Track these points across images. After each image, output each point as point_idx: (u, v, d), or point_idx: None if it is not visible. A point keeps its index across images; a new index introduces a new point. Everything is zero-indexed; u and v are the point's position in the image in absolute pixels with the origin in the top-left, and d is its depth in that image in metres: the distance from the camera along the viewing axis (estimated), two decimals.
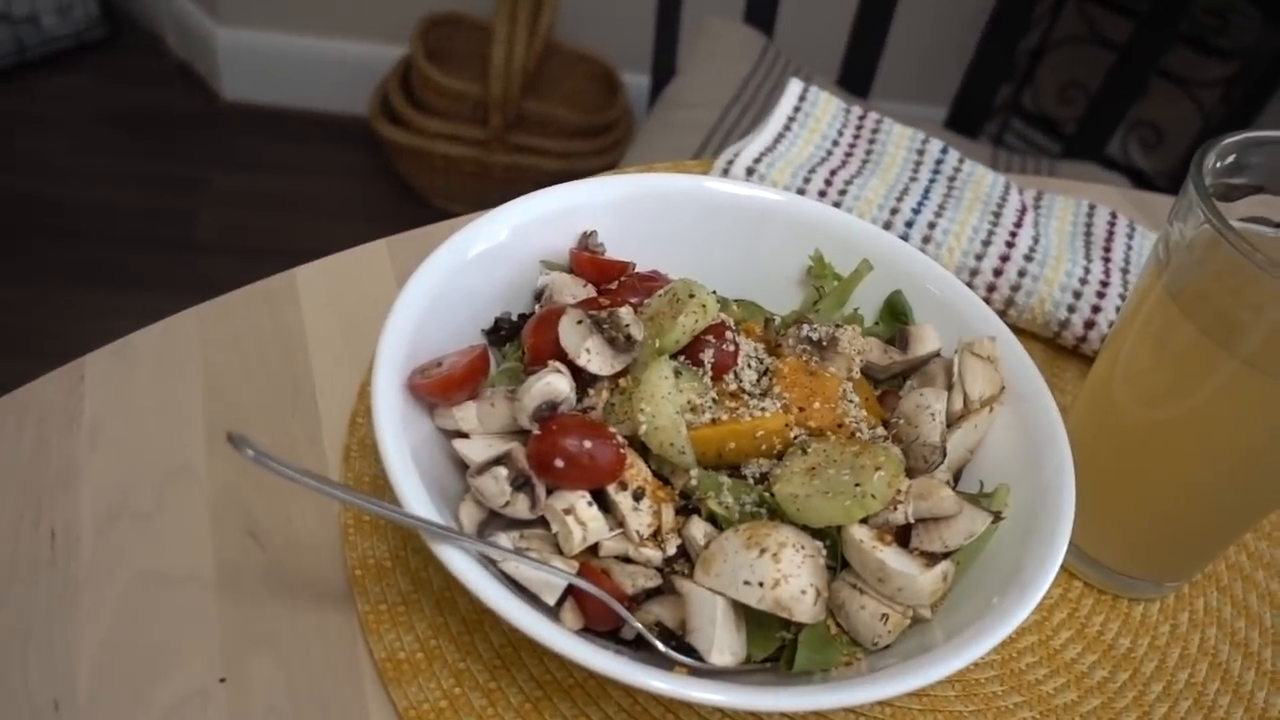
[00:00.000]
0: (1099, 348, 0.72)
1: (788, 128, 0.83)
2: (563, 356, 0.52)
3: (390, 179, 2.28)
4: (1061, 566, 0.48)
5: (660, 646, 0.48)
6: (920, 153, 0.84)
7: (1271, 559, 0.66)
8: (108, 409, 0.59)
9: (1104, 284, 0.74)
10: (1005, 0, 1.60)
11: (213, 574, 0.53)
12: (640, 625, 0.48)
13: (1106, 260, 0.78)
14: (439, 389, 0.51)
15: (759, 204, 0.65)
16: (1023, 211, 0.79)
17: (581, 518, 0.48)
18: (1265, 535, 0.67)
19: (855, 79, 1.66)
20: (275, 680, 0.50)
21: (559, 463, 0.48)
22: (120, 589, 0.52)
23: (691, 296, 0.54)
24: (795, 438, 0.53)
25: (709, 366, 0.53)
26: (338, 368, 0.64)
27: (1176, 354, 0.52)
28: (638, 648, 0.49)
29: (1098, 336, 0.74)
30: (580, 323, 0.52)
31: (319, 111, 2.39)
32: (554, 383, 0.50)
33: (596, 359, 0.52)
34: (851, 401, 0.55)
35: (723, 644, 0.47)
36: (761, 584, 0.46)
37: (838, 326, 0.57)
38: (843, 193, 0.77)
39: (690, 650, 0.48)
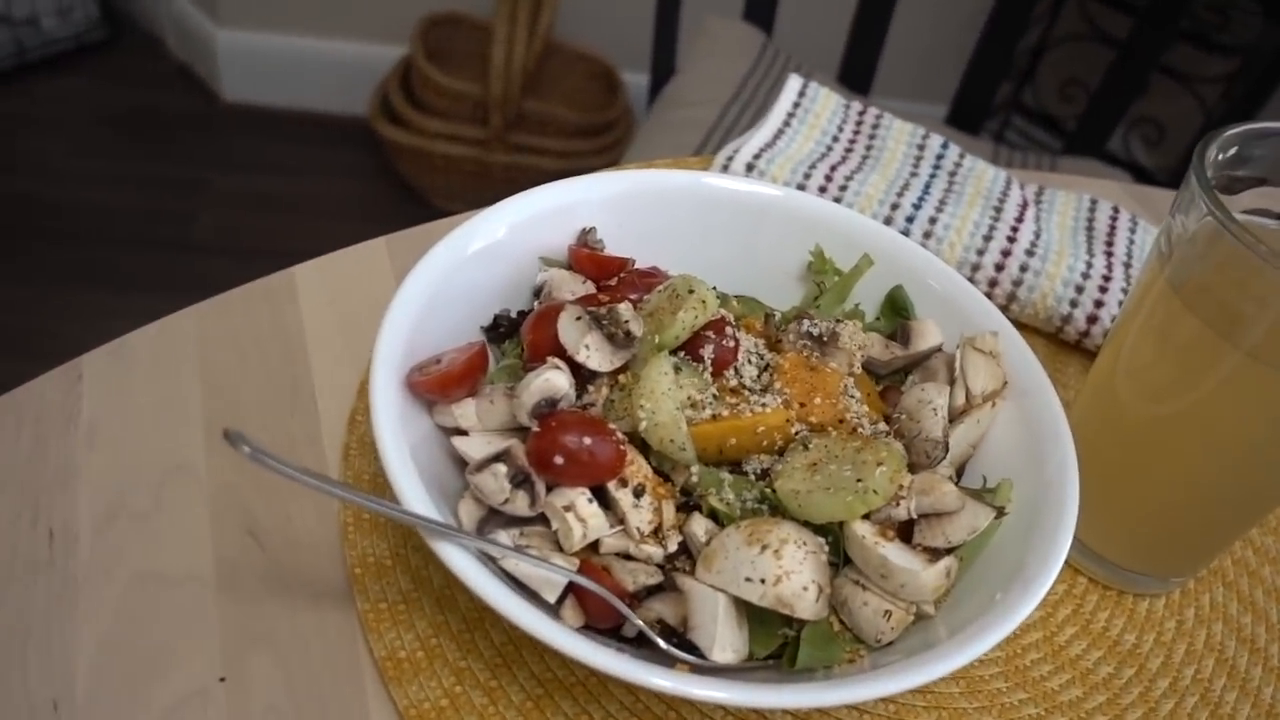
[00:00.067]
0: (1101, 343, 0.72)
1: (787, 124, 0.82)
2: (562, 353, 0.52)
3: (390, 179, 2.27)
4: (1066, 562, 0.48)
5: (662, 644, 0.48)
6: (921, 148, 0.83)
7: (1278, 554, 0.65)
8: (106, 408, 0.59)
9: (1106, 279, 0.74)
10: None
11: (212, 573, 0.53)
12: (641, 623, 0.48)
13: (1109, 255, 0.77)
14: (437, 386, 0.51)
15: (758, 199, 0.64)
16: (1024, 206, 0.79)
17: (582, 515, 0.48)
18: (1271, 530, 0.67)
19: (855, 77, 1.66)
20: (275, 679, 0.50)
21: (559, 459, 0.48)
22: (119, 589, 0.52)
23: (691, 292, 0.53)
24: (796, 433, 0.53)
25: (709, 362, 0.53)
26: (337, 366, 0.64)
27: (1180, 348, 0.52)
28: (639, 645, 0.49)
29: (1100, 332, 0.73)
30: (579, 319, 0.52)
31: (319, 112, 2.39)
32: (553, 379, 0.50)
33: (596, 355, 0.51)
34: (853, 397, 0.55)
35: (724, 641, 0.47)
36: (763, 581, 0.46)
37: (838, 322, 0.57)
38: (843, 188, 0.77)
39: (692, 648, 0.48)
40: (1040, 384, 0.56)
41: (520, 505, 0.48)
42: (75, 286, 1.92)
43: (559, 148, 2.16)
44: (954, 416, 0.56)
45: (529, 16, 2.07)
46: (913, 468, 0.53)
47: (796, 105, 0.84)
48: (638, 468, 0.50)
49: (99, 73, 2.36)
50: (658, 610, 0.48)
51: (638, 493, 0.49)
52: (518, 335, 0.56)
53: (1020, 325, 0.73)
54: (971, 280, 0.73)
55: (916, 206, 0.76)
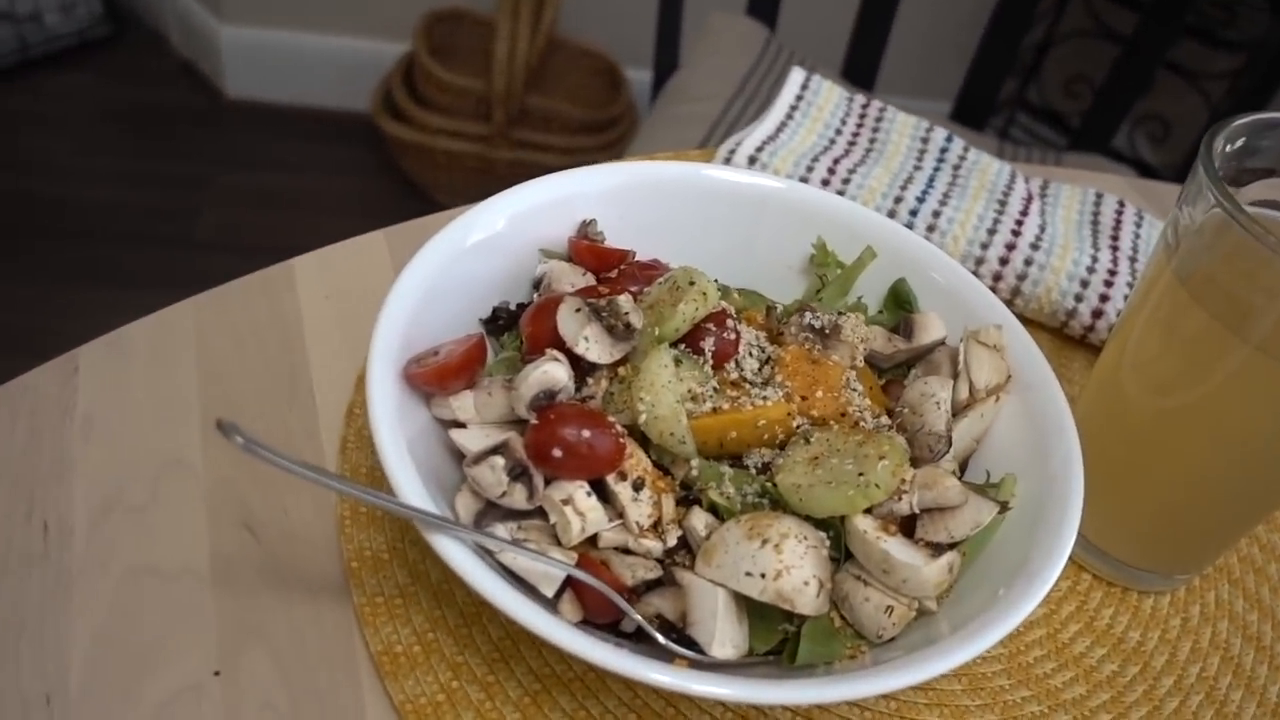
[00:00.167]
0: (1107, 338, 0.71)
1: (790, 116, 0.82)
2: (561, 345, 0.51)
3: (394, 175, 2.27)
4: (1070, 558, 0.47)
5: (660, 639, 0.47)
6: (925, 141, 0.83)
7: None
8: (102, 401, 0.59)
9: (1112, 273, 0.73)
10: None
11: (207, 567, 0.53)
12: (640, 617, 0.47)
13: (1114, 249, 0.77)
14: (435, 378, 0.51)
15: (759, 191, 0.64)
16: (1029, 200, 0.78)
17: (580, 508, 0.47)
18: (1278, 528, 0.66)
19: (859, 72, 1.65)
20: (270, 674, 0.49)
21: (557, 452, 0.47)
22: (113, 582, 0.51)
23: (692, 284, 0.53)
24: (798, 427, 0.52)
25: (710, 355, 0.53)
26: (335, 359, 0.63)
27: (1186, 340, 0.51)
28: (638, 640, 0.48)
29: (1105, 326, 0.73)
30: (579, 311, 0.52)
31: (322, 108, 2.39)
32: (552, 371, 0.50)
33: (595, 347, 0.51)
34: (855, 390, 0.54)
35: (724, 637, 0.46)
36: (763, 575, 0.46)
37: (841, 314, 0.57)
38: (846, 181, 0.76)
39: (691, 643, 0.47)
40: (1045, 378, 0.56)
41: (518, 498, 0.47)
42: (78, 284, 1.92)
43: (562, 144, 2.16)
44: (957, 410, 0.56)
45: (532, 12, 2.06)
46: (915, 462, 0.53)
47: (799, 98, 0.84)
48: (637, 461, 0.50)
49: (102, 69, 2.36)
50: (657, 605, 0.48)
51: (637, 486, 0.49)
52: (517, 328, 0.56)
53: (1025, 320, 0.72)
54: (975, 275, 0.72)
55: (920, 200, 0.75)
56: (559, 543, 0.48)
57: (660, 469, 0.51)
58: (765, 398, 0.52)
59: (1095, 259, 0.74)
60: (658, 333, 0.52)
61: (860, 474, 0.48)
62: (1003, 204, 0.77)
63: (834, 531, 0.49)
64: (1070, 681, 0.56)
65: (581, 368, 0.52)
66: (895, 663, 0.44)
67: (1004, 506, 0.51)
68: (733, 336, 0.54)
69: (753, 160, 0.77)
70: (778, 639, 0.48)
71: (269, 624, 0.51)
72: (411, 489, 0.45)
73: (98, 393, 0.59)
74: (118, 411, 0.59)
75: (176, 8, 2.36)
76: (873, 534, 0.48)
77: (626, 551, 0.49)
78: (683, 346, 0.53)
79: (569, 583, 0.47)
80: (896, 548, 0.48)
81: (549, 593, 0.47)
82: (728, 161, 0.77)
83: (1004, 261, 0.73)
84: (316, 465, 0.44)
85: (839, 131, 0.83)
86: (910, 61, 2.06)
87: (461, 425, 0.51)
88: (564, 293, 0.54)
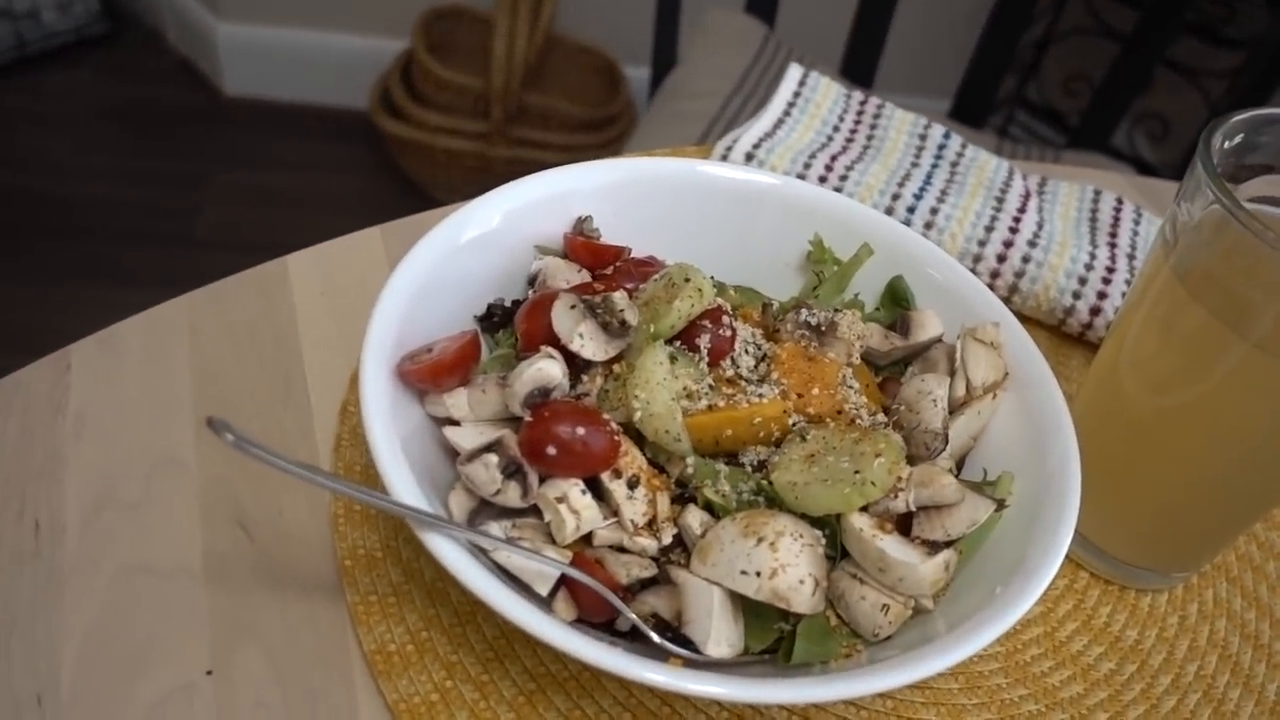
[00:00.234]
0: (1104, 335, 0.71)
1: (787, 113, 0.81)
2: (556, 342, 0.51)
3: (392, 173, 2.27)
4: (1067, 556, 0.47)
5: (656, 638, 0.47)
6: (922, 138, 0.82)
7: None
8: (94, 398, 0.58)
9: (1110, 270, 0.73)
10: None
11: (200, 565, 0.52)
12: (635, 616, 0.47)
13: (1112, 246, 0.76)
14: (429, 375, 0.50)
15: (755, 188, 0.63)
16: (1026, 197, 0.78)
17: (575, 506, 0.47)
18: (1276, 525, 0.66)
19: (858, 70, 1.65)
20: (263, 673, 0.49)
21: (551, 450, 0.47)
22: (106, 581, 0.51)
23: (687, 281, 0.52)
24: (794, 425, 0.52)
25: (705, 352, 0.52)
26: (330, 355, 0.63)
27: (1185, 338, 0.51)
28: (633, 639, 0.48)
29: (1103, 323, 0.72)
30: (574, 307, 0.51)
31: (320, 106, 2.39)
32: (546, 368, 0.49)
33: (590, 344, 0.51)
34: (851, 388, 0.54)
35: (720, 635, 0.46)
36: (759, 574, 0.45)
37: (837, 311, 0.56)
38: (843, 178, 0.76)
39: (686, 642, 0.47)
40: (1042, 375, 0.55)
41: (512, 496, 0.47)
42: (76, 282, 1.92)
43: (561, 141, 2.16)
44: (954, 408, 0.55)
45: (530, 10, 2.06)
46: (912, 460, 0.52)
47: (797, 95, 0.83)
48: (632, 459, 0.49)
49: (100, 67, 2.36)
50: (652, 604, 0.48)
51: (632, 484, 0.48)
52: (511, 324, 0.56)
53: (1022, 317, 0.72)
54: (973, 272, 0.72)
55: (918, 197, 0.75)
56: (553, 541, 0.48)
57: (655, 467, 0.51)
58: (761, 395, 0.52)
59: (1093, 256, 0.74)
60: (653, 330, 0.52)
61: (856, 472, 0.48)
62: (1000, 201, 0.77)
63: (830, 529, 0.49)
64: (1068, 680, 0.55)
65: (576, 365, 0.52)
66: (891, 661, 0.44)
67: (1001, 504, 0.51)
68: (728, 334, 0.53)
69: (749, 157, 0.77)
70: (773, 638, 0.48)
71: (262, 623, 0.51)
72: (405, 487, 0.44)
73: (90, 390, 0.59)
74: (110, 409, 0.58)
75: (174, 5, 2.36)
76: (869, 532, 0.48)
77: (621, 550, 0.48)
78: (678, 344, 0.53)
79: (563, 581, 0.47)
80: (892, 546, 0.48)
81: (543, 591, 0.46)
82: (724, 158, 0.77)
83: (1001, 258, 0.73)
84: (308, 463, 0.44)
85: (836, 128, 0.82)
86: (909, 59, 2.06)
87: (455, 423, 0.51)
88: (559, 289, 0.54)
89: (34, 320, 1.84)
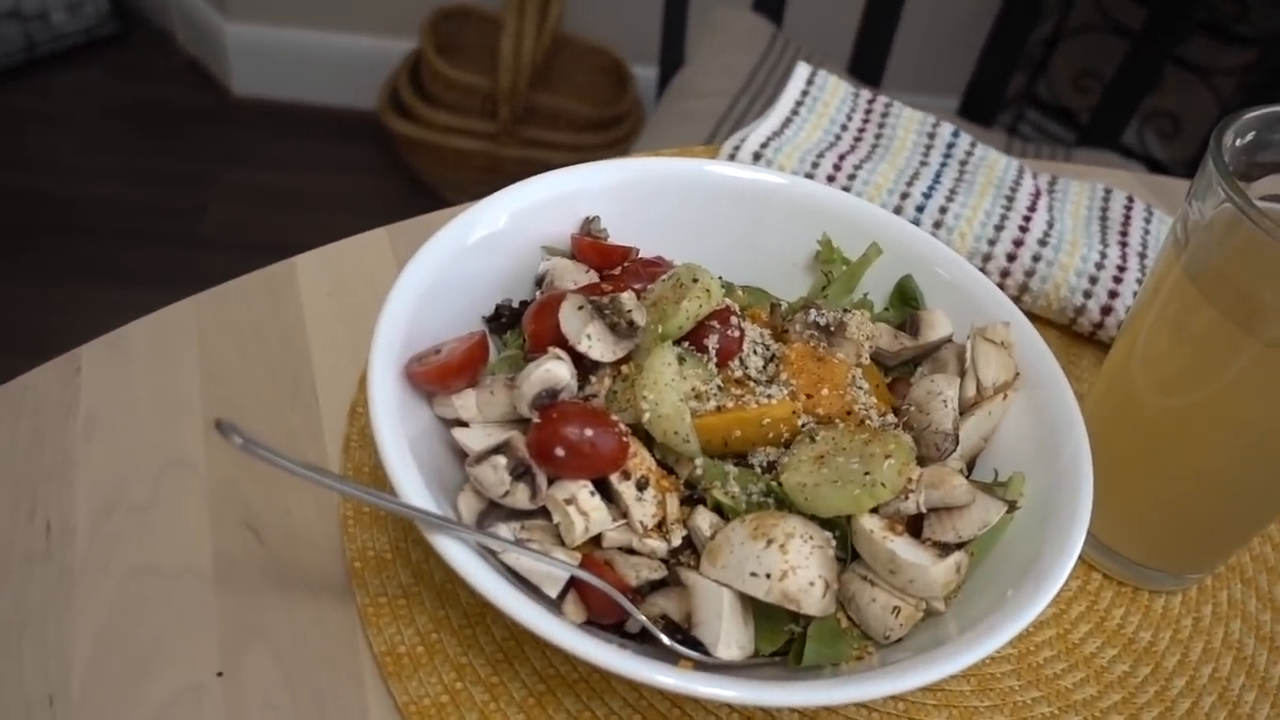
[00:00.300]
0: (1116, 334, 0.71)
1: (795, 112, 0.81)
2: (564, 343, 0.51)
3: (400, 173, 2.27)
4: (1079, 558, 0.47)
5: (665, 640, 0.47)
6: (931, 136, 0.82)
7: None
8: (104, 400, 0.59)
9: (1121, 269, 0.73)
10: None
11: (210, 567, 0.52)
12: (645, 618, 0.47)
13: (1123, 245, 0.76)
14: (437, 376, 0.50)
15: (763, 187, 0.63)
16: (1036, 196, 0.78)
17: (584, 508, 0.47)
18: None
19: (866, 68, 1.64)
20: (273, 675, 0.49)
21: (560, 451, 0.47)
22: (116, 582, 0.51)
23: (695, 281, 0.52)
24: (803, 425, 0.51)
25: (714, 353, 0.52)
26: (338, 357, 0.63)
27: (1196, 338, 0.50)
28: (642, 641, 0.48)
29: (1114, 323, 0.72)
30: (582, 308, 0.51)
31: (329, 106, 2.39)
32: (554, 369, 0.49)
33: (598, 345, 0.50)
34: (861, 388, 0.54)
35: (730, 637, 0.46)
36: (769, 575, 0.45)
37: (846, 311, 0.56)
38: (852, 177, 0.76)
39: (696, 644, 0.47)
40: (1053, 375, 0.55)
41: (521, 498, 0.47)
42: (81, 282, 1.92)
43: (569, 141, 2.16)
44: (964, 408, 0.55)
45: (538, 9, 2.06)
46: (922, 461, 0.52)
47: (805, 93, 0.83)
48: (641, 460, 0.49)
49: (109, 67, 2.36)
50: (661, 606, 0.47)
51: (641, 486, 0.48)
52: (519, 326, 0.55)
53: (1033, 317, 0.71)
54: (983, 271, 0.72)
55: (927, 196, 0.75)
56: (562, 543, 0.48)
57: (664, 468, 0.50)
58: (770, 396, 0.51)
59: (1104, 255, 0.73)
60: (661, 330, 0.51)
61: (866, 473, 0.48)
62: (1010, 199, 0.76)
63: (840, 531, 0.49)
64: (1081, 682, 0.55)
65: (584, 366, 0.51)
66: (903, 664, 0.44)
67: (1012, 505, 0.50)
68: (737, 334, 0.53)
69: (757, 156, 0.76)
70: (784, 640, 0.48)
71: (271, 624, 0.51)
72: (413, 489, 0.44)
73: (100, 392, 0.59)
74: (120, 411, 0.58)
75: (183, 6, 2.36)
76: (879, 534, 0.48)
77: (631, 551, 0.48)
78: (686, 344, 0.52)
79: (573, 583, 0.47)
80: (903, 547, 0.47)
81: (552, 593, 0.46)
82: (732, 158, 0.77)
83: (1011, 258, 0.73)
84: (316, 465, 0.44)
85: (844, 127, 0.82)
86: (917, 57, 2.05)
87: (464, 424, 0.51)
88: (567, 290, 0.54)
89: (38, 320, 1.85)
